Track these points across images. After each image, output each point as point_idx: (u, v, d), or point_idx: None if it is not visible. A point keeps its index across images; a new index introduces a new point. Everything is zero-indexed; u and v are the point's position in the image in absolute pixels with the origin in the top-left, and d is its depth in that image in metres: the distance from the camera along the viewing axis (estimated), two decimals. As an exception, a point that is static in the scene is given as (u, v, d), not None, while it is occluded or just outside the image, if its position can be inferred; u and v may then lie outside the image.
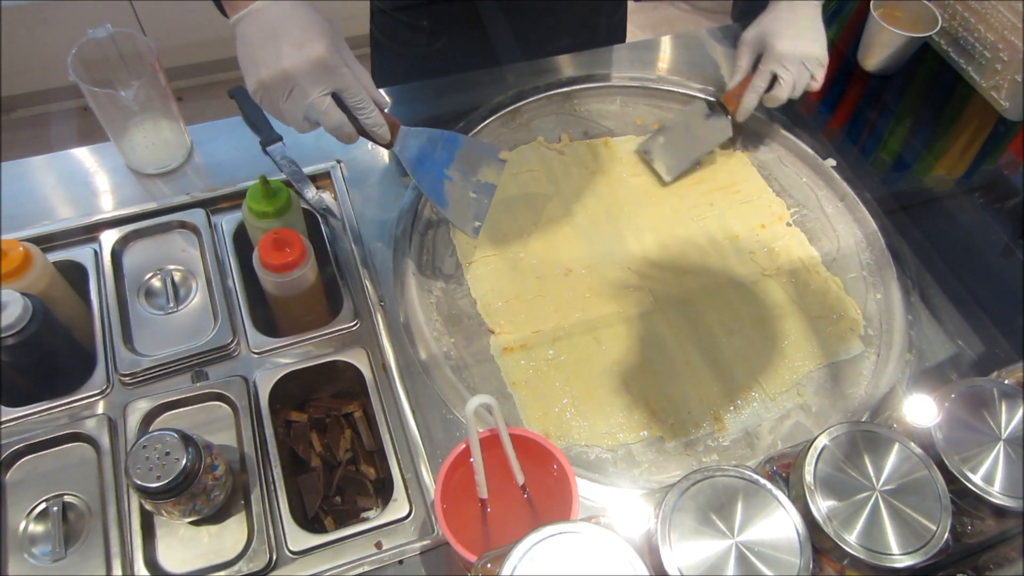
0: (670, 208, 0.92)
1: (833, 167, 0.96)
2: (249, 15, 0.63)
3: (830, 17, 1.11)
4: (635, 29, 1.17)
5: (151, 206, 0.86)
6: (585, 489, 0.70)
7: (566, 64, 1.04)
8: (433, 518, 0.68)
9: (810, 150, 0.97)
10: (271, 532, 0.66)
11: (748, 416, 0.77)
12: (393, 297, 0.81)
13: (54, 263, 0.78)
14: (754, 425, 0.77)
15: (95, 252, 0.82)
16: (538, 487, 0.62)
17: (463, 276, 0.85)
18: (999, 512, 0.49)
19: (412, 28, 1.02)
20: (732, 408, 0.78)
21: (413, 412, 0.73)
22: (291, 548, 0.65)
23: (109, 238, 0.83)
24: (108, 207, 0.86)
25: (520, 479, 0.60)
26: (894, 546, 0.45)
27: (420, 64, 1.07)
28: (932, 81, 1.06)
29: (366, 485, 0.75)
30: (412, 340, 0.78)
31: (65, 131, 2.13)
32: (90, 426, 0.70)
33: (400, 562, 0.66)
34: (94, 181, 0.89)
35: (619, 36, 1.17)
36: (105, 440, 0.70)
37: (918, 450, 0.49)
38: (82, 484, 0.68)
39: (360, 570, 0.65)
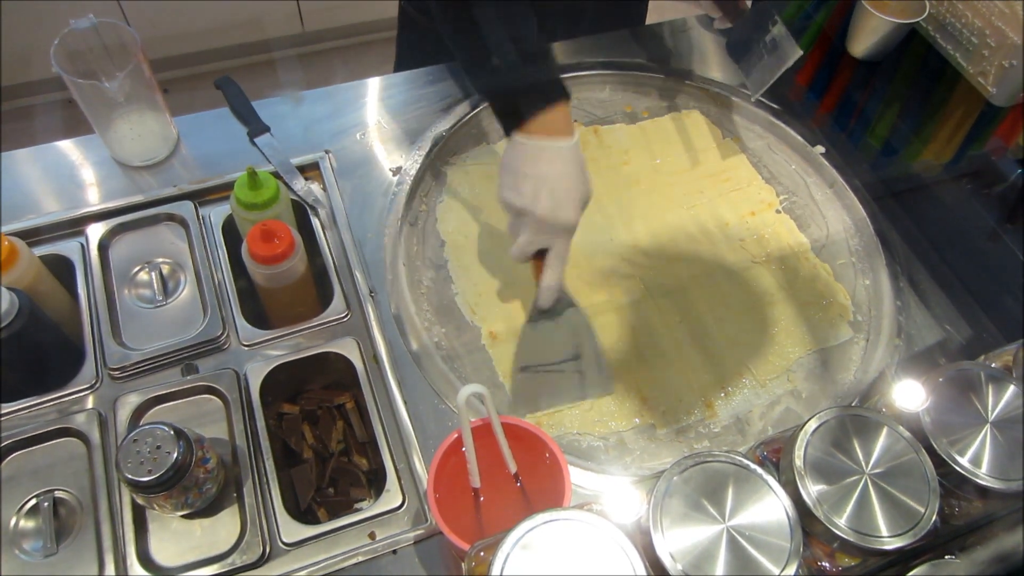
0: (660, 196, 0.92)
1: (822, 154, 0.96)
2: (540, 147, 0.68)
3: (818, 3, 1.11)
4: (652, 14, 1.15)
5: (138, 199, 0.85)
6: (577, 477, 0.70)
7: (555, 51, 1.04)
8: (426, 508, 0.68)
9: (799, 137, 0.97)
10: (264, 524, 0.66)
11: (739, 402, 0.78)
12: (384, 288, 0.81)
13: (40, 257, 0.77)
14: (745, 411, 0.77)
15: (82, 246, 0.82)
16: (531, 475, 0.62)
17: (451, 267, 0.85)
18: (986, 494, 0.50)
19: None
20: (723, 395, 0.78)
21: (405, 402, 0.73)
22: (284, 540, 0.65)
23: (96, 231, 0.82)
24: (94, 200, 0.85)
25: (512, 468, 0.60)
26: (883, 528, 0.46)
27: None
28: (920, 67, 1.07)
29: (359, 476, 0.75)
30: (403, 331, 0.78)
31: (50, 123, 2.11)
32: (80, 421, 0.70)
33: (394, 552, 0.66)
34: (80, 174, 0.88)
35: (639, 20, 1.16)
36: (95, 435, 0.69)
37: (907, 434, 0.49)
38: (73, 479, 0.68)
39: (354, 561, 0.65)
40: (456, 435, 0.60)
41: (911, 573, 0.50)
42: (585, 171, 0.71)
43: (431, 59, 1.00)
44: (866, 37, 1.03)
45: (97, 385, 0.73)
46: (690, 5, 1.01)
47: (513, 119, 0.69)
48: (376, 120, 0.95)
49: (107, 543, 0.65)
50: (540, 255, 0.72)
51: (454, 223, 0.88)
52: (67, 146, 0.90)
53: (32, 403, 0.71)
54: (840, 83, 1.06)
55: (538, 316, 0.74)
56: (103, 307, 0.77)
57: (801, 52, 0.87)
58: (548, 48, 0.70)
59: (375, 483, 0.75)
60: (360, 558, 0.65)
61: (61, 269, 0.80)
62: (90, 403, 0.72)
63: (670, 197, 0.92)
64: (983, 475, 0.49)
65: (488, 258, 0.85)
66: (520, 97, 0.69)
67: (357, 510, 0.71)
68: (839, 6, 1.11)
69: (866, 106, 1.03)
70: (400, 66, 1.13)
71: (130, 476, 0.59)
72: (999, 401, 0.52)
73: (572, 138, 0.69)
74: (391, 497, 0.68)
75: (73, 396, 0.72)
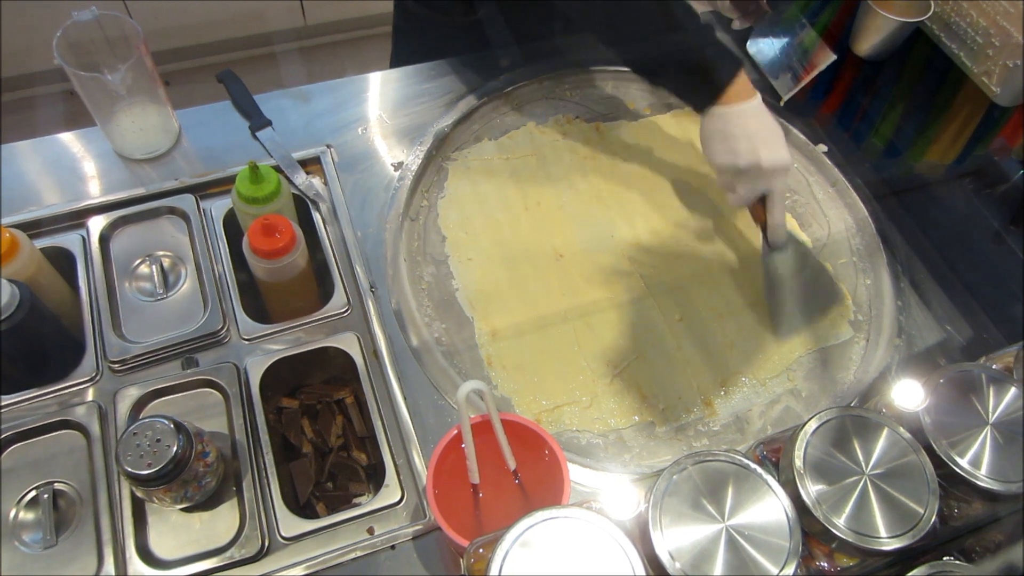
0: (662, 194, 0.92)
1: (824, 153, 0.96)
2: (738, 112, 0.77)
3: (823, 2, 1.11)
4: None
5: (139, 192, 0.85)
6: (576, 474, 0.70)
7: (557, 48, 1.03)
8: (425, 503, 0.68)
9: (802, 136, 0.97)
10: (263, 518, 0.66)
11: (738, 401, 0.78)
12: (384, 283, 0.81)
13: (41, 250, 0.77)
14: (744, 410, 0.77)
15: (83, 238, 0.81)
16: (530, 472, 0.62)
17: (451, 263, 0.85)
18: (986, 496, 0.50)
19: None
20: (723, 393, 0.78)
21: (404, 398, 0.73)
22: (283, 534, 0.66)
23: (97, 224, 0.82)
24: (96, 193, 0.85)
25: (512, 464, 0.60)
26: (882, 529, 0.46)
27: (451, 34, 1.05)
28: (924, 66, 1.06)
29: (358, 471, 0.75)
30: (403, 326, 0.78)
31: (51, 115, 2.10)
32: (80, 413, 0.70)
33: (392, 547, 0.66)
34: (81, 166, 0.87)
35: None
36: (95, 427, 0.69)
37: (907, 434, 0.49)
38: (72, 471, 0.68)
39: (352, 555, 0.65)
40: (455, 431, 0.60)
41: (910, 574, 0.50)
42: (776, 119, 0.79)
43: (429, 53, 1.00)
44: (871, 36, 1.02)
45: (97, 378, 0.73)
46: (699, 4, 1.00)
47: (704, 96, 0.78)
48: (378, 115, 0.95)
49: (106, 535, 0.65)
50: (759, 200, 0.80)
51: (455, 218, 0.88)
52: (69, 138, 0.90)
53: (32, 395, 0.71)
54: (844, 82, 1.06)
55: (770, 252, 0.82)
56: (104, 300, 0.77)
57: (835, 57, 0.89)
58: (707, 23, 0.79)
59: (374, 478, 0.75)
60: (358, 553, 0.65)
61: (62, 261, 0.80)
62: (90, 396, 0.72)
63: (672, 195, 0.92)
64: (983, 476, 0.49)
65: (489, 254, 0.85)
66: (707, 75, 0.77)
67: (356, 505, 0.71)
68: (844, 5, 1.10)
69: (869, 105, 1.03)
70: (397, 61, 1.13)
71: (130, 469, 0.59)
72: (1000, 402, 0.52)
73: (758, 95, 0.78)
74: (390, 492, 0.68)
75: (73, 388, 0.72)
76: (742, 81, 0.77)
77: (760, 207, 0.81)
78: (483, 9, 0.80)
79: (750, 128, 0.77)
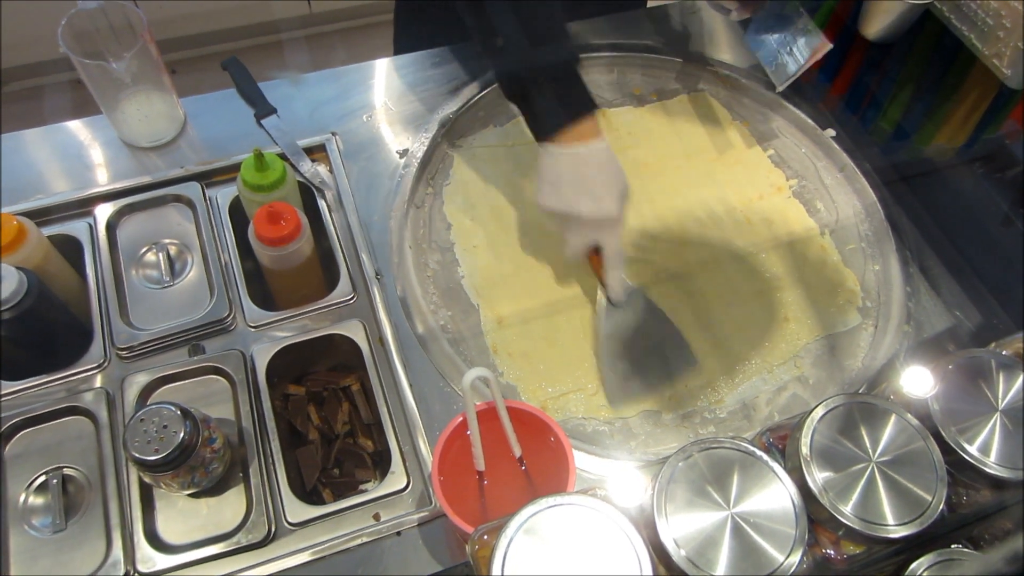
0: (668, 180, 0.91)
1: (832, 137, 0.95)
2: (571, 154, 0.71)
3: (832, -15, 1.09)
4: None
5: (145, 179, 0.85)
6: (582, 461, 0.70)
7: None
8: (430, 490, 0.68)
9: (810, 120, 0.96)
10: (270, 504, 0.67)
11: (745, 388, 0.77)
12: (390, 270, 0.81)
13: (49, 237, 0.77)
14: (751, 397, 0.77)
15: (90, 226, 0.82)
16: (535, 459, 0.62)
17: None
18: (995, 483, 0.49)
19: None
20: (730, 380, 0.78)
21: (410, 385, 0.73)
22: (290, 520, 0.66)
23: (104, 212, 0.82)
24: (102, 181, 0.85)
25: (517, 451, 0.60)
26: (889, 517, 0.46)
27: (453, 18, 1.04)
28: (933, 49, 1.05)
29: (364, 458, 0.75)
30: (409, 313, 0.78)
31: (57, 104, 2.11)
32: (88, 399, 0.70)
33: (398, 534, 0.66)
34: (88, 154, 0.88)
35: (640, 2, 1.15)
36: (103, 413, 0.70)
37: (915, 421, 0.49)
38: (81, 457, 0.69)
39: (358, 541, 0.65)
40: (461, 418, 0.60)
41: (917, 562, 0.49)
42: (620, 168, 0.74)
43: (431, 40, 0.99)
44: (879, 18, 1.01)
45: (105, 364, 0.73)
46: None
47: (544, 130, 0.72)
48: (383, 102, 0.94)
49: (115, 520, 0.65)
50: (595, 251, 0.75)
51: (461, 206, 0.88)
52: (75, 126, 0.90)
53: (41, 381, 0.72)
54: (852, 65, 1.04)
55: (611, 310, 0.77)
56: (111, 287, 0.77)
57: (831, 46, 0.87)
58: (575, 55, 0.73)
59: (380, 465, 0.76)
60: (364, 539, 0.66)
61: (69, 249, 0.80)
62: (98, 382, 0.72)
63: (678, 180, 0.91)
64: (992, 464, 0.49)
65: (495, 241, 0.85)
66: (550, 110, 0.71)
67: (362, 491, 0.71)
68: (853, -13, 1.09)
69: (878, 89, 1.02)
70: (399, 45, 1.12)
71: (137, 455, 0.59)
72: (1009, 389, 0.51)
73: (602, 141, 0.72)
74: (396, 479, 0.68)
75: (81, 375, 0.73)
76: (589, 125, 0.71)
77: (596, 259, 0.75)
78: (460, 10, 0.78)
79: (581, 174, 0.71)
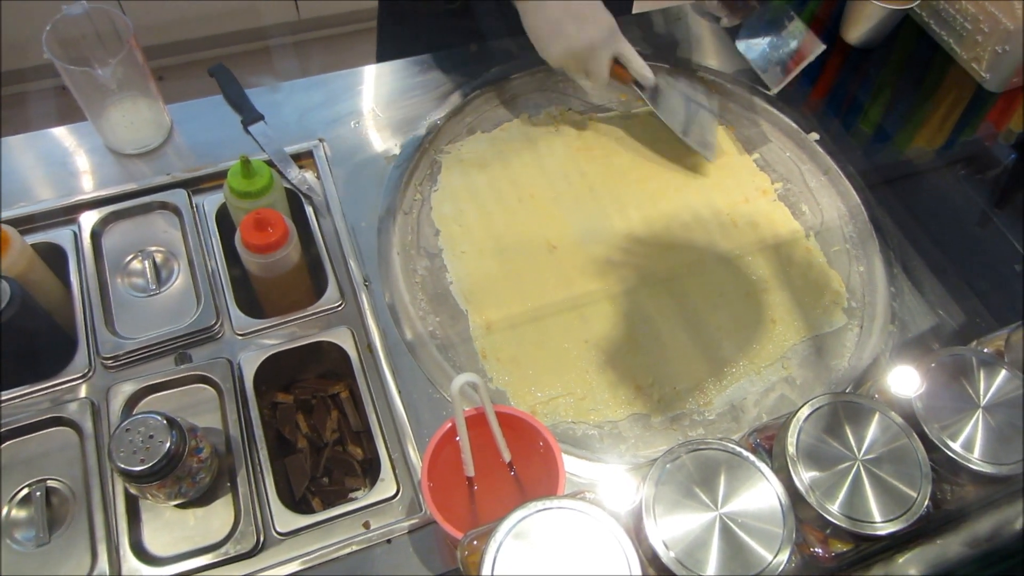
0: (654, 184, 0.92)
1: (816, 141, 0.96)
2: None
3: (814, -10, 1.11)
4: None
5: (131, 187, 0.84)
6: (572, 465, 0.70)
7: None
8: (420, 497, 0.68)
9: (793, 124, 0.97)
10: (258, 514, 0.66)
11: (734, 390, 0.78)
12: (378, 277, 0.81)
13: (32, 245, 0.77)
14: (739, 399, 0.77)
15: (74, 234, 0.81)
16: (525, 464, 0.62)
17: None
18: (978, 479, 0.50)
19: None
20: (718, 382, 0.78)
21: (399, 392, 0.73)
22: (278, 529, 0.65)
23: (89, 219, 0.81)
24: (87, 188, 0.85)
25: (507, 456, 0.60)
26: (876, 514, 0.46)
27: (434, 23, 1.05)
28: (913, 53, 1.06)
29: (353, 465, 0.75)
30: (397, 320, 0.78)
31: (42, 110, 2.09)
32: (72, 410, 0.70)
33: (388, 541, 0.66)
34: (73, 161, 0.87)
35: (626, 8, 1.16)
36: (88, 424, 0.69)
37: (899, 419, 0.50)
38: (65, 469, 0.68)
39: (348, 550, 0.65)
40: (450, 424, 0.60)
41: (903, 558, 0.50)
42: None
43: (414, 47, 1.00)
44: (860, 23, 1.02)
45: (90, 374, 0.73)
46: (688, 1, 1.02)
47: None
48: (370, 108, 0.94)
49: (100, 533, 0.64)
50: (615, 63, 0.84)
51: (448, 211, 0.88)
52: (60, 133, 0.89)
53: (24, 392, 0.71)
54: (834, 69, 1.05)
55: (652, 95, 0.87)
56: (96, 296, 0.76)
57: (824, 47, 0.89)
58: None
59: (369, 472, 0.75)
60: (354, 547, 0.65)
61: (53, 257, 0.79)
62: (83, 392, 0.72)
63: (664, 185, 0.92)
64: (975, 460, 0.49)
65: (483, 247, 0.85)
66: None
67: (351, 499, 0.71)
68: (834, -8, 1.10)
69: (860, 93, 1.03)
70: (382, 55, 1.12)
71: (122, 466, 0.59)
72: (991, 386, 0.52)
73: None
74: (385, 486, 0.68)
75: (66, 385, 0.72)
76: None
77: (618, 68, 0.84)
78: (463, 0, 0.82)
79: (568, 8, 0.77)
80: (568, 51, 0.79)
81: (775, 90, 0.95)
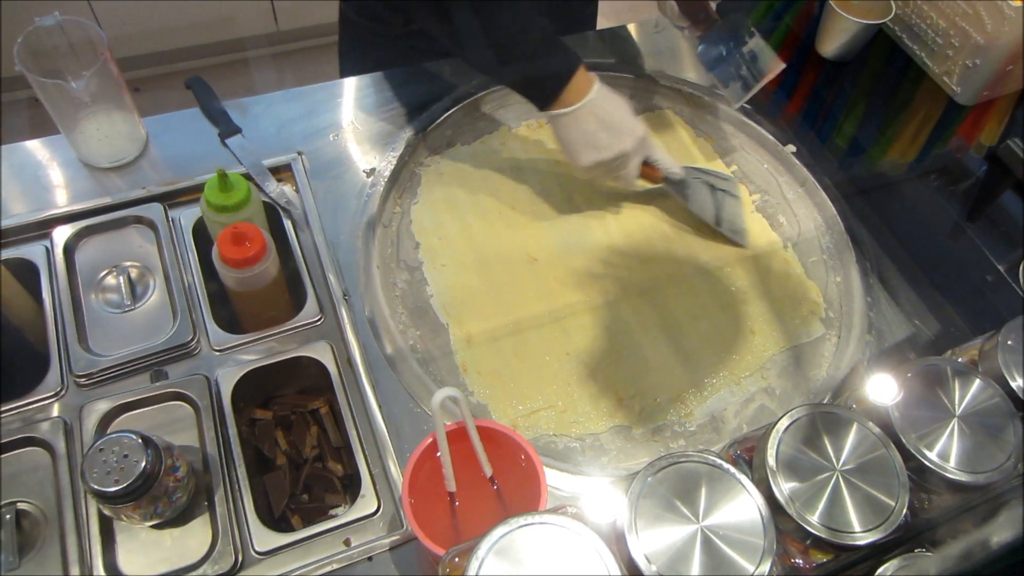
0: (634, 196, 0.92)
1: (793, 153, 0.97)
2: (585, 106, 0.78)
3: (787, 4, 1.12)
4: (600, 18, 1.17)
5: (105, 201, 0.83)
6: (554, 479, 0.70)
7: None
8: (402, 513, 0.67)
9: (771, 136, 0.98)
10: (236, 533, 0.65)
11: (714, 401, 0.78)
12: (357, 290, 0.80)
13: (3, 261, 0.76)
14: (720, 410, 0.78)
15: (47, 249, 0.80)
16: (507, 479, 0.62)
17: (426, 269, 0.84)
18: (954, 487, 0.50)
19: (389, 8, 1.00)
20: (698, 393, 0.78)
21: (379, 407, 0.72)
22: (257, 548, 0.64)
23: (61, 234, 0.80)
24: (60, 202, 0.83)
25: (488, 471, 0.60)
26: (855, 524, 0.46)
27: (392, 45, 1.05)
28: (887, 67, 1.08)
29: (333, 482, 0.74)
30: (377, 334, 0.77)
31: (14, 123, 2.06)
32: (44, 429, 0.68)
33: (369, 559, 0.65)
34: (45, 175, 0.86)
35: (590, 24, 1.17)
36: (60, 444, 0.68)
37: (876, 429, 0.50)
38: (36, 490, 0.66)
39: (329, 568, 0.64)
40: (431, 439, 0.59)
41: (883, 567, 0.50)
42: (617, 93, 0.81)
43: (376, 65, 1.00)
44: (834, 38, 1.04)
45: (62, 392, 0.71)
46: (651, 8, 1.02)
47: (545, 98, 0.78)
48: (350, 121, 0.94)
49: (73, 556, 0.63)
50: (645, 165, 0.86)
51: (429, 224, 0.87)
52: (32, 146, 0.88)
53: (-5, 412, 0.69)
54: (809, 83, 1.07)
55: (682, 188, 0.88)
56: (69, 312, 0.75)
57: (784, 65, 0.90)
58: (545, 22, 0.78)
59: (350, 489, 0.75)
60: (335, 565, 0.64)
61: (25, 273, 0.78)
62: (55, 411, 0.70)
63: (644, 196, 0.93)
64: (951, 468, 0.50)
65: (463, 259, 0.85)
66: (545, 79, 0.77)
67: (332, 516, 0.70)
68: (807, 7, 1.12)
69: (835, 105, 1.05)
70: (344, 72, 1.12)
71: (96, 486, 0.58)
72: (965, 395, 0.53)
73: (597, 80, 0.80)
74: (366, 503, 0.67)
75: (37, 404, 0.70)
76: (582, 77, 0.78)
77: (646, 167, 0.85)
78: (421, 20, 0.80)
79: (604, 118, 0.78)
80: (599, 161, 0.80)
81: (736, 106, 0.96)
